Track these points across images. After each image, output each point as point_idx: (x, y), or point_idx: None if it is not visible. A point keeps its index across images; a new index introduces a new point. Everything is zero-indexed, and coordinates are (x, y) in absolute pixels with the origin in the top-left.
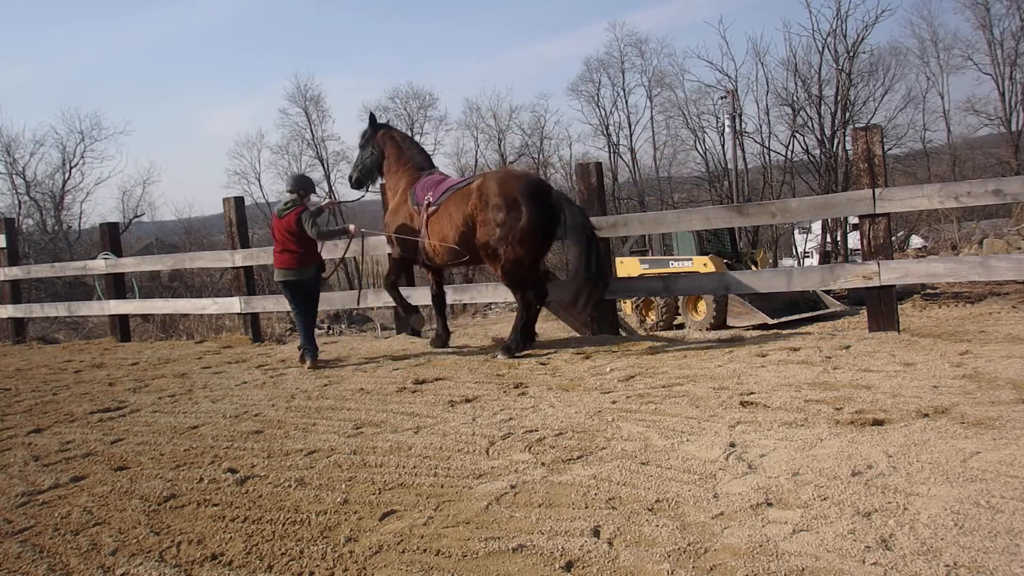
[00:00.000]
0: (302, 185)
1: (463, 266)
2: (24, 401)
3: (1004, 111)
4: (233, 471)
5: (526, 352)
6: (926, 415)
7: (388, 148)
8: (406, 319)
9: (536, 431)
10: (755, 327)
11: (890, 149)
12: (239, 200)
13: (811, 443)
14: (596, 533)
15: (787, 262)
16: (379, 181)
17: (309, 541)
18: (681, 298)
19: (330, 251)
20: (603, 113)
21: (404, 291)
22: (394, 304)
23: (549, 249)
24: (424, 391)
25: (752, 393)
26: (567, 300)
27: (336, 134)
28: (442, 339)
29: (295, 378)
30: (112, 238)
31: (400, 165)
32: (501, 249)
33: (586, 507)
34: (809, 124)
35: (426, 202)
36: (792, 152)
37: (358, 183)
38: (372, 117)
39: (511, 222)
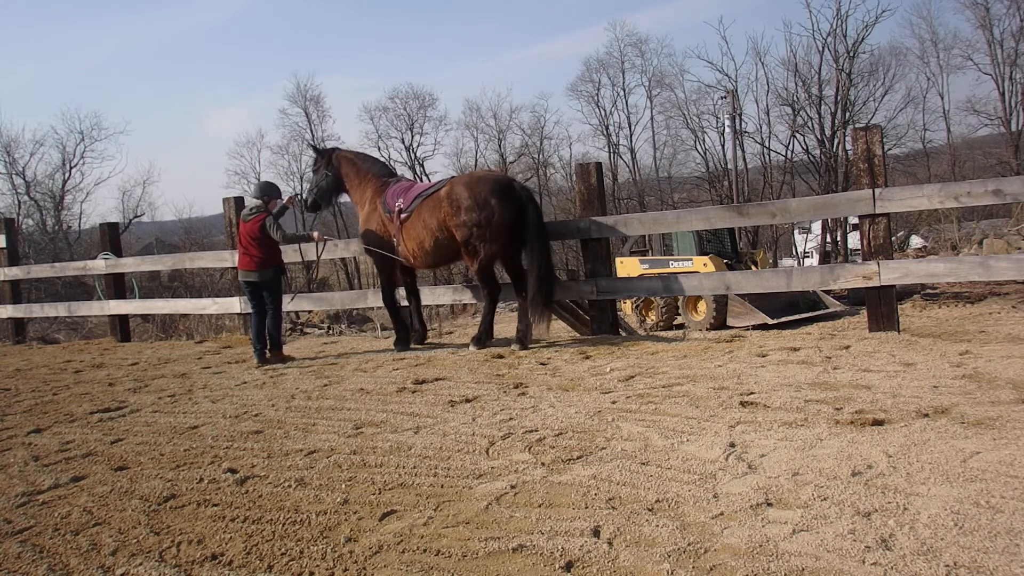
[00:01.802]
0: (267, 192)
1: (439, 267)
2: (24, 401)
3: (1004, 111)
4: (233, 471)
5: (525, 352)
6: (926, 415)
7: (345, 167)
8: (399, 345)
9: (536, 431)
10: (755, 327)
11: (890, 149)
12: (239, 200)
13: (811, 443)
14: (596, 533)
15: (787, 262)
16: (335, 202)
17: (309, 541)
18: (681, 298)
19: (331, 252)
20: (603, 113)
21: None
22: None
23: (523, 244)
24: (424, 391)
25: (752, 393)
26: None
27: (336, 134)
28: (406, 339)
29: (295, 378)
30: (112, 238)
31: (362, 178)
32: (481, 246)
33: (586, 507)
34: (809, 124)
35: (397, 209)
36: (792, 152)
37: (314, 206)
38: (314, 147)
39: (486, 221)
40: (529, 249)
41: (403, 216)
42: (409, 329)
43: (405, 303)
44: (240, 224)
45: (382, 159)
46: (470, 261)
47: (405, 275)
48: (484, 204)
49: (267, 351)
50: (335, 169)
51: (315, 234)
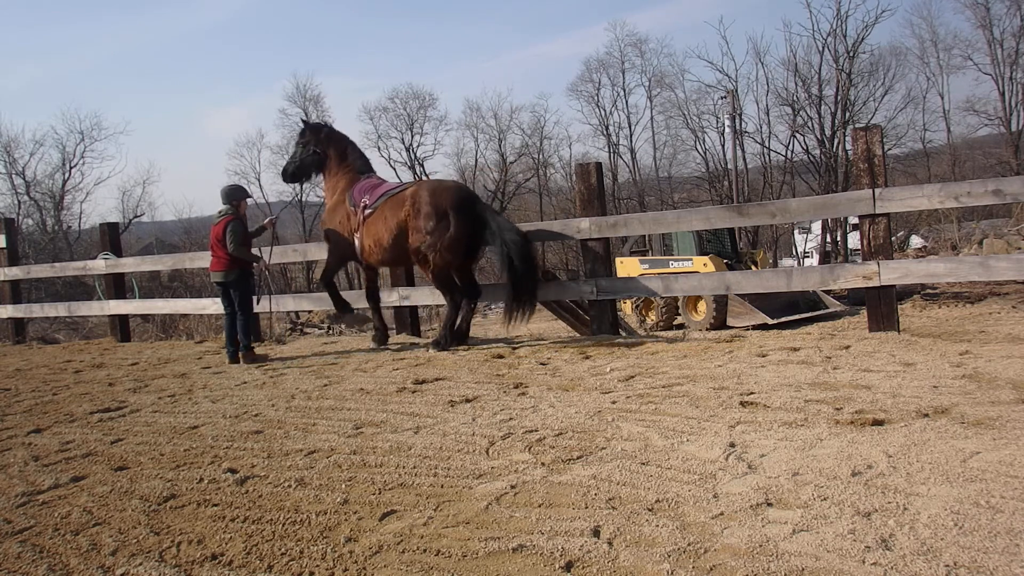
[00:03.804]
0: (233, 196)
1: (394, 267)
2: (24, 401)
3: (1004, 111)
4: (233, 471)
5: (525, 352)
6: (926, 415)
7: (331, 151)
8: (344, 315)
9: (536, 431)
10: (755, 327)
11: (890, 149)
12: None
13: (811, 443)
14: (596, 533)
15: (787, 262)
16: (313, 179)
17: (309, 541)
18: (681, 298)
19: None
20: (603, 113)
21: (403, 291)
22: (393, 305)
23: (478, 255)
24: (424, 391)
25: (752, 393)
26: (507, 302)
27: None
28: (381, 335)
29: (295, 378)
30: (112, 238)
31: (340, 167)
32: (431, 255)
33: (586, 507)
34: (809, 124)
35: (363, 204)
36: (792, 152)
37: (293, 177)
38: (306, 121)
39: (440, 231)
40: (501, 259)
41: (367, 212)
42: (352, 309)
43: (333, 300)
44: (211, 227)
45: (366, 155)
46: (422, 268)
47: (369, 273)
48: (442, 214)
49: (239, 352)
50: (323, 149)
51: (266, 221)
